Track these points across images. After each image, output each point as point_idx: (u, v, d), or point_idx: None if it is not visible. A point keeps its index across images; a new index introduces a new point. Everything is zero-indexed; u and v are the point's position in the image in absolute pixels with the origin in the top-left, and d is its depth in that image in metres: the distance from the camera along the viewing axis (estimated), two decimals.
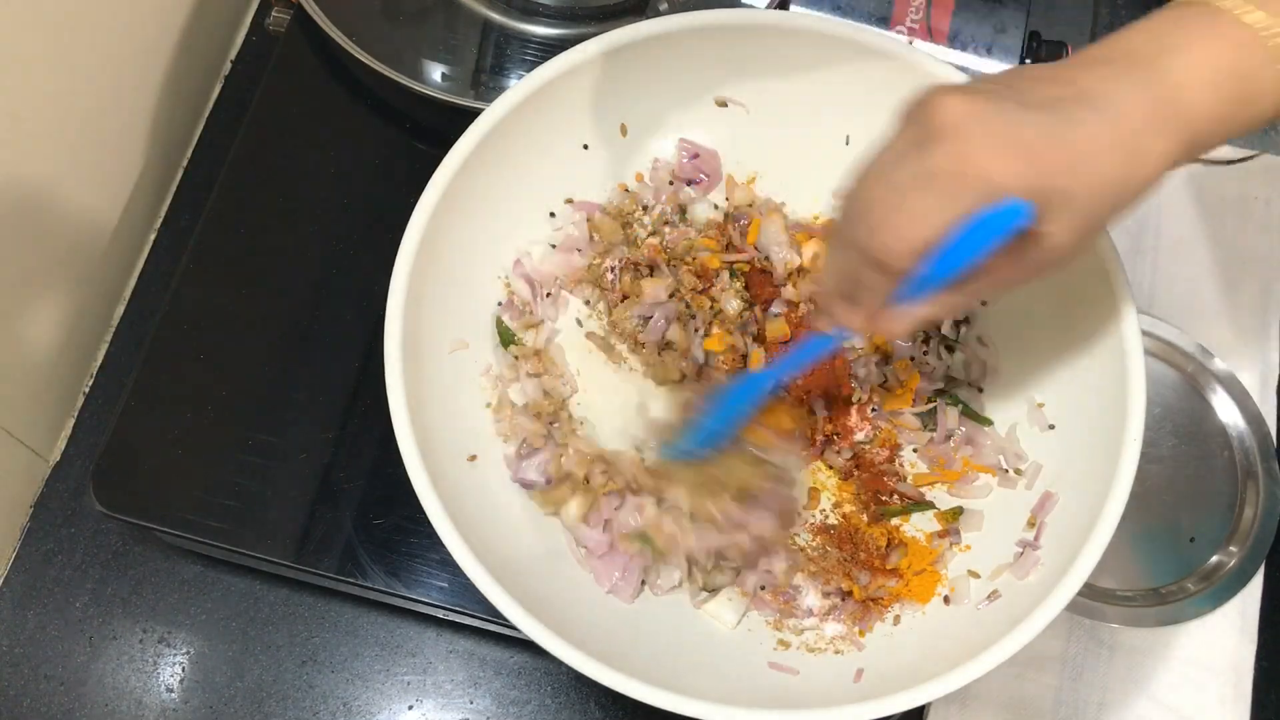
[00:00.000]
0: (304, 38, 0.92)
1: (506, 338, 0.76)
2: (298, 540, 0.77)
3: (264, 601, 0.84)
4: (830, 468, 0.76)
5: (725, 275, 0.78)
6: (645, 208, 0.81)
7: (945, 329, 0.78)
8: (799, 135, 0.80)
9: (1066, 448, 0.72)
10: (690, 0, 0.88)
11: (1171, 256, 0.93)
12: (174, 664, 0.83)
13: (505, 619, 0.62)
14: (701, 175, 0.81)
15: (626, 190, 0.81)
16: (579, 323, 0.79)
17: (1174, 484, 0.86)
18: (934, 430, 0.76)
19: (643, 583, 0.71)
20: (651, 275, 0.78)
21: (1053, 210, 0.50)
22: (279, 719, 0.81)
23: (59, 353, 0.88)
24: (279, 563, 0.77)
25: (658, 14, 0.83)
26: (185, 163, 0.98)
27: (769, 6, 0.87)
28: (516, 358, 0.76)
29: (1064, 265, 0.53)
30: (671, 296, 0.77)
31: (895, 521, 0.74)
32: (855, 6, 0.87)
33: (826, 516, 0.75)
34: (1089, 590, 0.82)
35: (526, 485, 0.73)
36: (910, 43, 0.85)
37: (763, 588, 0.71)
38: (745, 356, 0.77)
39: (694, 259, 0.78)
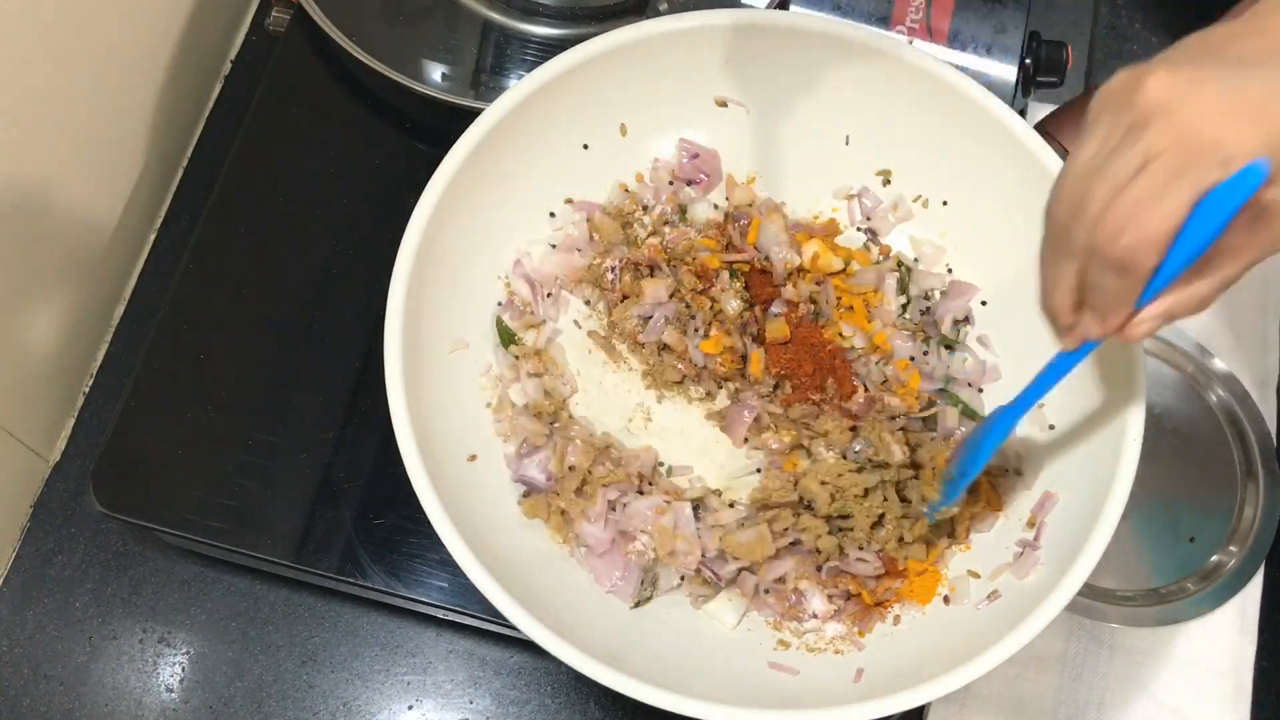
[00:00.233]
0: (304, 38, 0.92)
1: (506, 338, 0.76)
2: (298, 540, 0.77)
3: (264, 601, 0.84)
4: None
5: (725, 275, 0.78)
6: (645, 208, 0.81)
7: (945, 329, 0.78)
8: (799, 135, 0.80)
9: (1066, 448, 0.72)
10: (690, 0, 0.88)
11: None
12: (174, 664, 0.83)
13: (505, 619, 0.62)
14: (701, 175, 0.81)
15: (626, 190, 0.81)
16: (577, 324, 0.79)
17: (1174, 484, 0.86)
18: (934, 430, 0.76)
19: (643, 583, 0.71)
20: (652, 275, 0.78)
21: None
22: (279, 719, 0.81)
23: (59, 353, 0.88)
24: (279, 563, 0.77)
25: (658, 14, 0.83)
26: (185, 163, 0.98)
27: (769, 6, 0.87)
28: (517, 358, 0.76)
29: None
30: (672, 297, 0.77)
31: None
32: (855, 6, 0.87)
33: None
34: (1089, 590, 0.82)
35: (527, 483, 0.73)
36: (910, 43, 0.85)
37: (766, 591, 0.71)
38: (744, 357, 0.77)
39: (694, 259, 0.78)
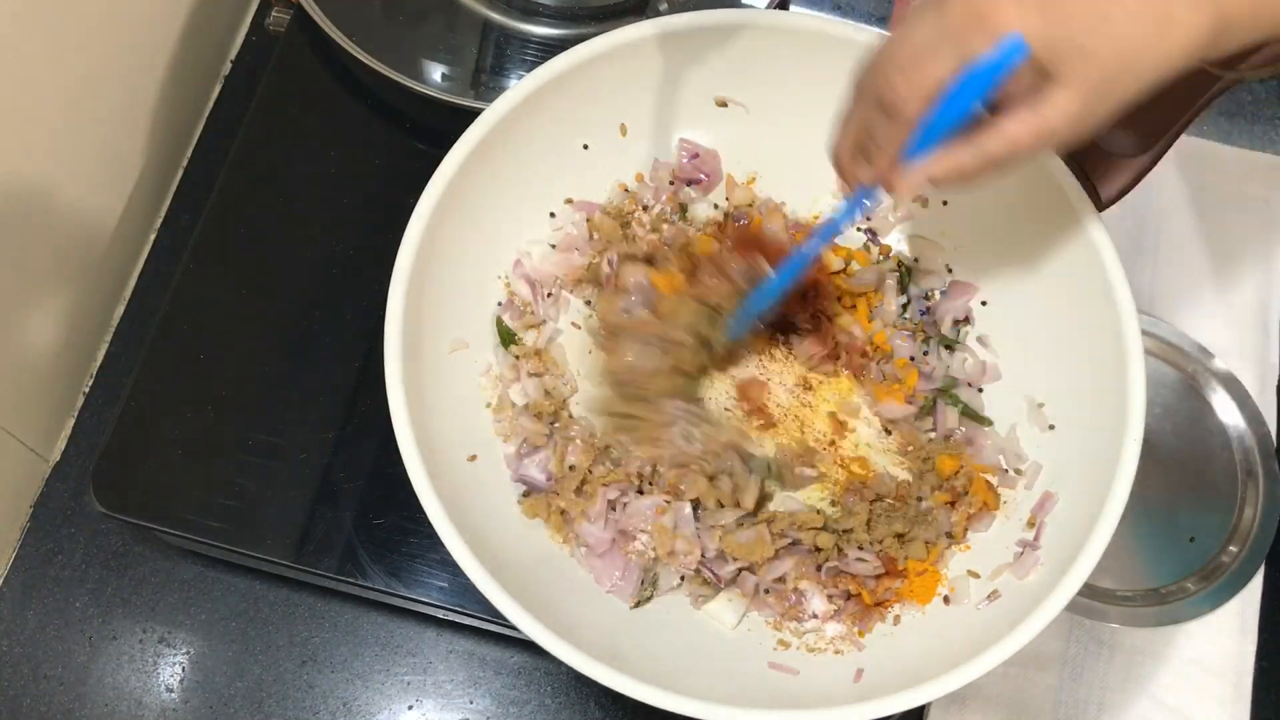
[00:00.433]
0: (304, 38, 0.92)
1: (507, 338, 0.76)
2: (298, 540, 0.77)
3: (264, 601, 0.84)
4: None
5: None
6: (645, 207, 0.81)
7: (945, 329, 0.78)
8: (799, 135, 0.80)
9: (1066, 448, 0.72)
10: (690, 0, 0.88)
11: (1171, 256, 0.93)
12: (174, 664, 0.83)
13: (505, 619, 0.62)
14: (701, 175, 0.81)
15: (626, 190, 0.81)
16: (576, 325, 0.79)
17: (1174, 484, 0.86)
18: (933, 431, 0.76)
19: (643, 583, 0.71)
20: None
21: (1069, 64, 0.49)
22: (279, 719, 0.81)
23: (59, 353, 0.88)
24: (279, 563, 0.77)
25: (658, 14, 0.83)
26: (185, 163, 0.98)
27: (769, 6, 0.87)
28: (517, 357, 0.76)
29: (1073, 133, 0.52)
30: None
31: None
32: (855, 6, 0.87)
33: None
34: (1089, 590, 0.82)
35: (527, 483, 0.73)
36: None
37: (766, 591, 0.71)
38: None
39: (689, 251, 0.78)
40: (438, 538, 0.63)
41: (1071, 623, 0.82)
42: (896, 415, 0.76)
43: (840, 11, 0.91)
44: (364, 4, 0.90)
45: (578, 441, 0.73)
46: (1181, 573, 0.83)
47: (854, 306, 0.79)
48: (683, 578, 0.72)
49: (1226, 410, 0.88)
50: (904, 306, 0.79)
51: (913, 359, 0.78)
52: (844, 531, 0.72)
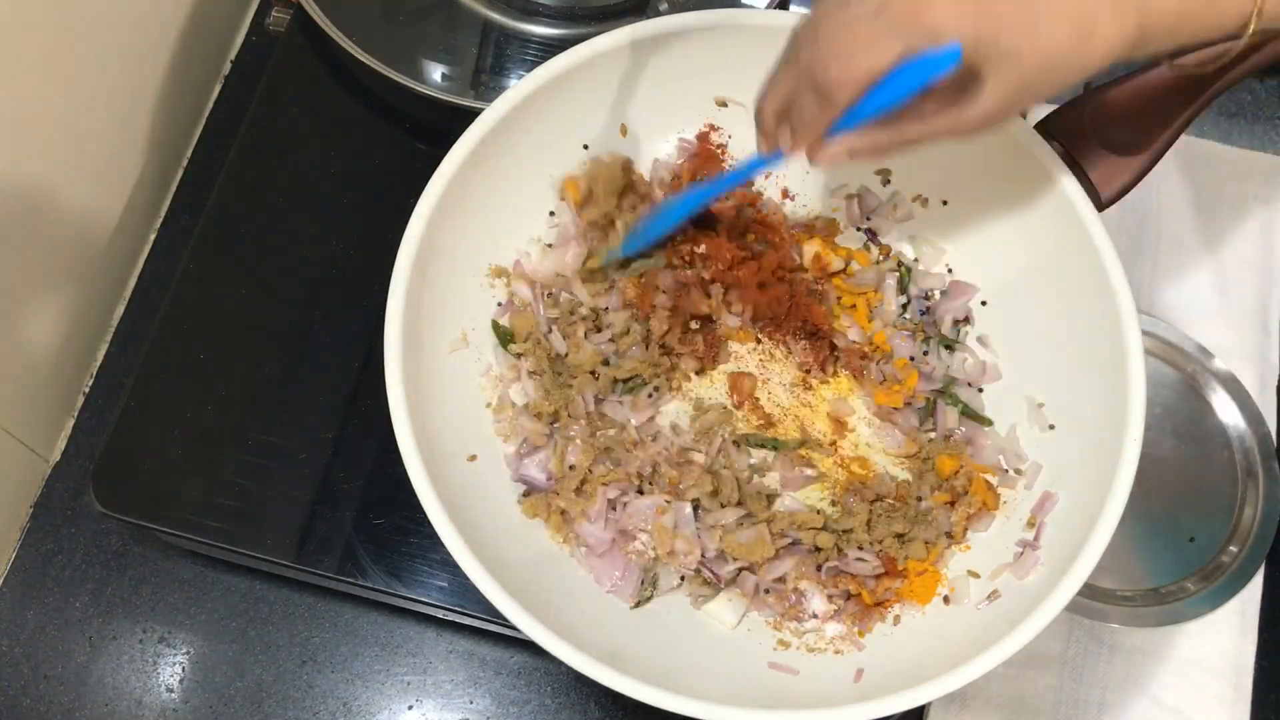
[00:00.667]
0: (304, 38, 0.92)
1: (506, 338, 0.76)
2: (298, 540, 0.77)
3: (264, 601, 0.84)
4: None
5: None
6: (645, 200, 0.80)
7: (945, 329, 0.78)
8: None
9: (1066, 448, 0.72)
10: (690, 0, 0.88)
11: (1171, 256, 0.93)
12: (174, 664, 0.83)
13: (505, 619, 0.62)
14: (702, 175, 0.81)
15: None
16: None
17: (1174, 484, 0.86)
18: (933, 431, 0.76)
19: (643, 583, 0.71)
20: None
21: (994, 65, 0.51)
22: (279, 719, 0.81)
23: (59, 353, 0.88)
24: (279, 563, 0.77)
25: (658, 14, 0.83)
26: (185, 163, 0.98)
27: (769, 6, 0.87)
28: (518, 357, 0.76)
29: (987, 127, 0.55)
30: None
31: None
32: None
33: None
34: (1089, 590, 0.82)
35: (527, 483, 0.73)
36: None
37: (766, 591, 0.72)
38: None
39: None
40: (438, 538, 0.63)
41: (1071, 623, 0.82)
42: (896, 416, 0.76)
43: None
44: (364, 4, 0.90)
45: (578, 441, 0.73)
46: (1181, 573, 0.83)
47: (854, 306, 0.79)
48: (683, 578, 0.72)
49: (1226, 410, 0.88)
50: (904, 306, 0.79)
51: (913, 359, 0.78)
52: (844, 531, 0.72)
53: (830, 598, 0.71)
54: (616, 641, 0.66)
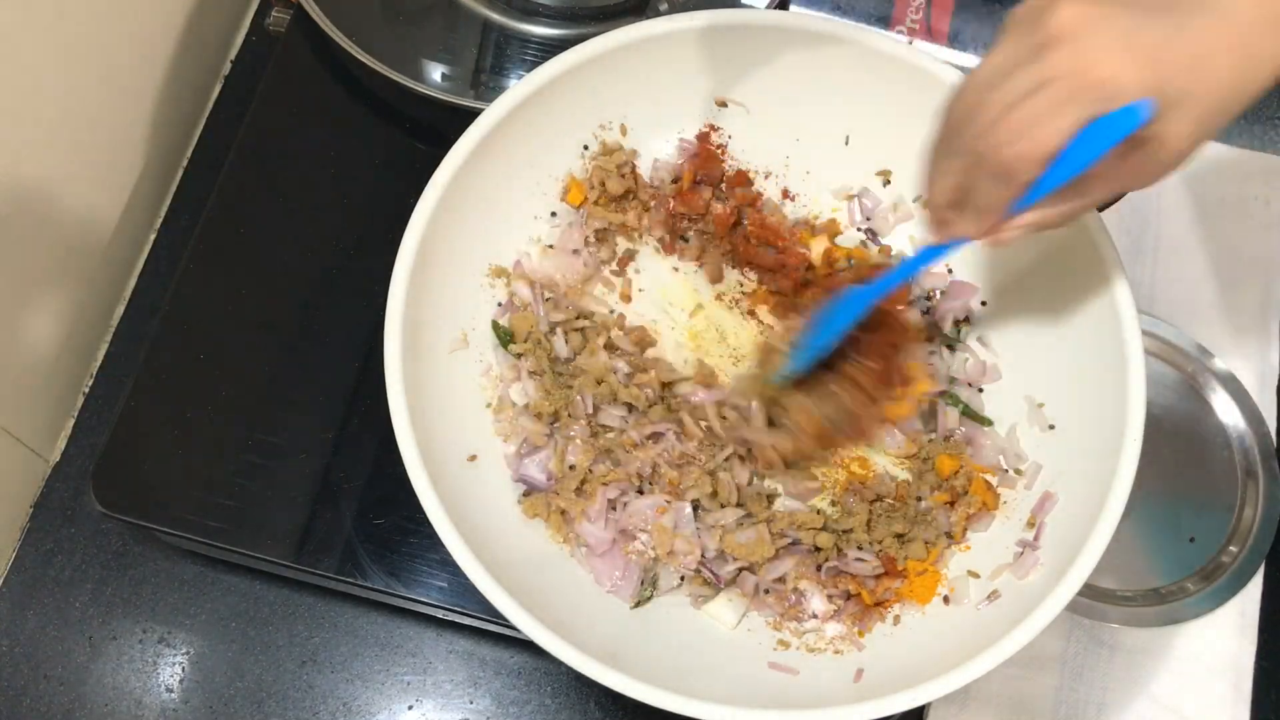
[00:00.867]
0: (304, 38, 0.92)
1: (506, 338, 0.76)
2: (298, 540, 0.77)
3: (264, 601, 0.84)
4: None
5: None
6: (647, 208, 0.81)
7: (946, 329, 0.78)
8: (799, 135, 0.80)
9: (1066, 448, 0.72)
10: (690, 0, 0.88)
11: (1171, 256, 0.93)
12: (174, 664, 0.83)
13: (505, 619, 0.62)
14: (702, 175, 0.81)
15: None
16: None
17: (1174, 484, 0.86)
18: (934, 431, 0.76)
19: (643, 583, 0.71)
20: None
21: (1171, 111, 0.49)
22: (279, 719, 0.81)
23: (59, 353, 0.88)
24: (279, 563, 0.77)
25: (658, 14, 0.83)
26: (185, 163, 0.98)
27: (769, 6, 0.87)
28: (518, 357, 0.76)
29: (1176, 167, 0.53)
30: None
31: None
32: (855, 6, 0.87)
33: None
34: (1089, 590, 0.82)
35: (527, 483, 0.73)
36: (910, 43, 0.85)
37: (766, 591, 0.72)
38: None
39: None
40: (438, 538, 0.63)
41: (1071, 623, 0.82)
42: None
43: (840, 11, 0.91)
44: (364, 4, 0.90)
45: (578, 441, 0.73)
46: (1181, 573, 0.83)
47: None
48: (683, 578, 0.72)
49: (1226, 410, 0.88)
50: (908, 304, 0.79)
51: (931, 353, 0.77)
52: (844, 531, 0.72)
53: (830, 598, 0.71)
54: (616, 641, 0.66)
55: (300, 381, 0.82)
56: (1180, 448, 0.87)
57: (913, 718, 0.80)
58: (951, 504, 0.73)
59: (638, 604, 0.71)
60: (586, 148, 0.79)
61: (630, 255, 0.80)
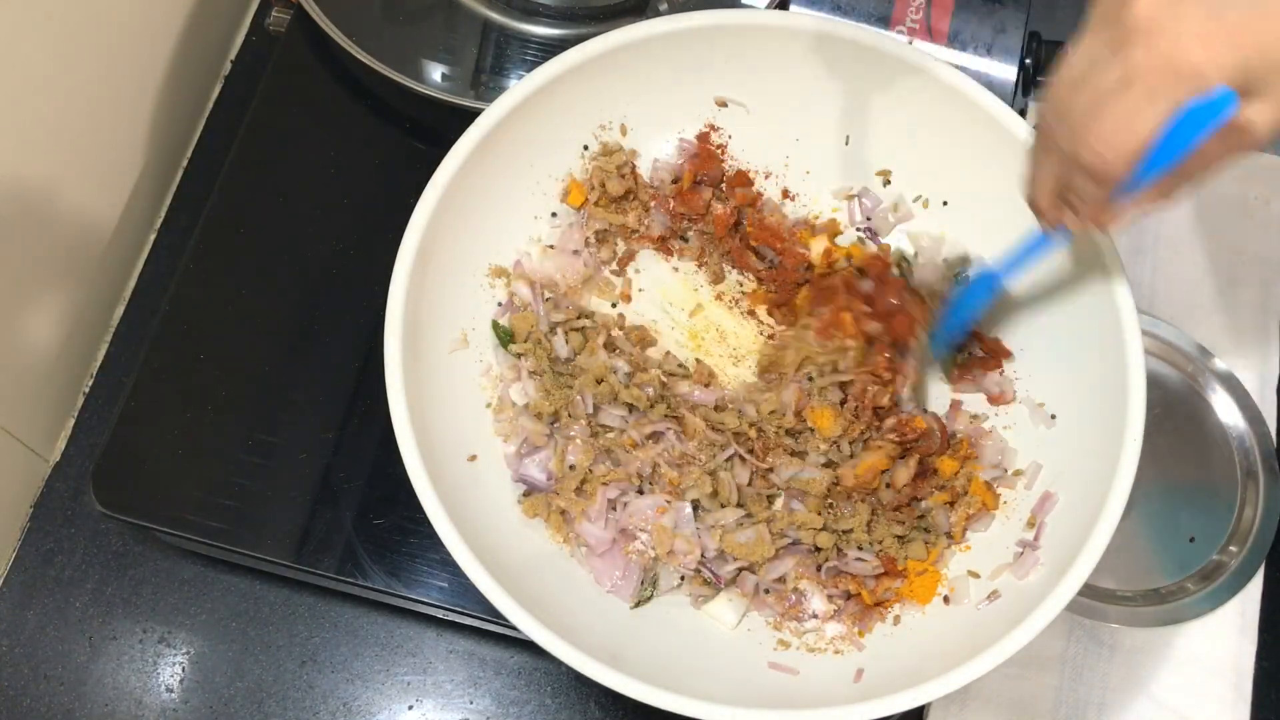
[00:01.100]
0: (304, 38, 0.92)
1: (506, 338, 0.76)
2: (298, 540, 0.77)
3: (264, 601, 0.84)
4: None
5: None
6: (646, 208, 0.81)
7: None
8: (799, 135, 0.80)
9: (1066, 448, 0.72)
10: (690, 0, 0.88)
11: (1171, 256, 0.93)
12: (174, 664, 0.83)
13: (505, 619, 0.62)
14: (702, 175, 0.81)
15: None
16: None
17: (1174, 484, 0.86)
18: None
19: (643, 583, 0.71)
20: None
21: (1262, 85, 0.49)
22: (279, 719, 0.81)
23: (59, 353, 0.88)
24: (279, 563, 0.77)
25: (658, 14, 0.83)
26: (185, 163, 0.98)
27: (769, 6, 0.87)
28: (518, 357, 0.76)
29: (1269, 143, 0.52)
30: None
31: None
32: (855, 6, 0.87)
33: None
34: (1089, 590, 0.82)
35: (528, 483, 0.73)
36: (910, 43, 0.85)
37: (766, 591, 0.71)
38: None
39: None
40: (438, 538, 0.63)
41: (1071, 623, 0.82)
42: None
43: (840, 11, 0.90)
44: (364, 4, 0.90)
45: (578, 441, 0.73)
46: (1181, 573, 0.83)
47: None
48: (683, 578, 0.72)
49: (1226, 410, 0.88)
50: None
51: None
52: (844, 531, 0.72)
53: (830, 598, 0.71)
54: (616, 641, 0.66)
55: (300, 381, 0.82)
56: (1180, 448, 0.87)
57: (913, 718, 0.80)
58: (951, 504, 0.73)
59: (638, 604, 0.71)
60: (586, 148, 0.79)
61: (630, 255, 0.80)
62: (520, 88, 0.73)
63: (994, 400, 0.76)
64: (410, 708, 0.82)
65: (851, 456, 0.73)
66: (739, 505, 0.72)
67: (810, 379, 0.74)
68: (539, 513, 0.72)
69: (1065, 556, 0.64)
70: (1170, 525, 0.85)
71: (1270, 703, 0.82)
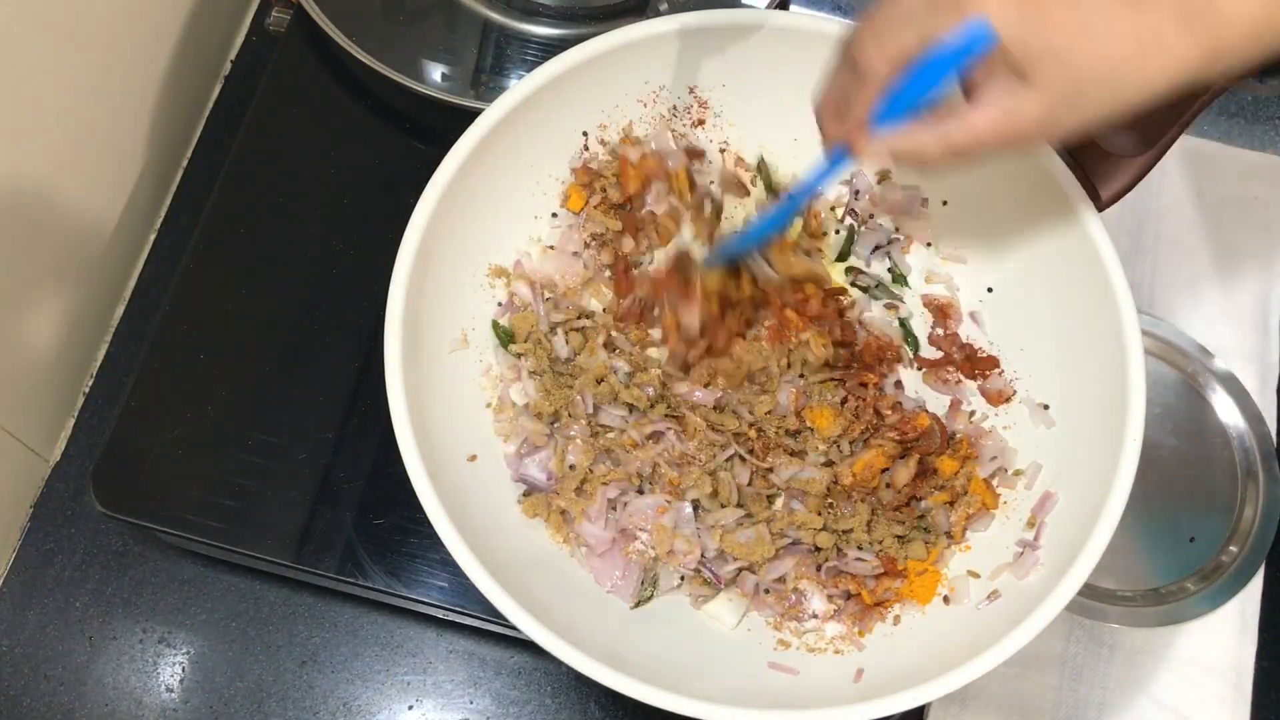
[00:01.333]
0: (304, 38, 0.92)
1: (506, 338, 0.76)
2: (298, 540, 0.77)
3: (264, 601, 0.84)
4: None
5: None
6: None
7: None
8: (798, 135, 0.80)
9: (1066, 448, 0.72)
10: (690, 0, 0.88)
11: (1171, 256, 0.93)
12: (174, 664, 0.83)
13: (505, 619, 0.62)
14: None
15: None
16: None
17: (1174, 484, 0.86)
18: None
19: (643, 583, 0.71)
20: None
21: (1040, 68, 0.48)
22: (279, 719, 0.81)
23: (59, 353, 0.88)
24: (279, 563, 0.77)
25: (658, 14, 0.83)
26: (185, 163, 0.98)
27: (769, 6, 0.87)
28: (518, 357, 0.76)
29: (1037, 135, 0.51)
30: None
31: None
32: (855, 6, 0.87)
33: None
34: (1089, 590, 0.82)
35: (528, 483, 0.73)
36: None
37: (766, 591, 0.72)
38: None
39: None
40: (438, 538, 0.63)
41: (1071, 623, 0.82)
42: None
43: (840, 11, 0.91)
44: (364, 4, 0.90)
45: (578, 441, 0.73)
46: (1181, 573, 0.83)
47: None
48: (683, 578, 0.72)
49: (1226, 410, 0.88)
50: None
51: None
52: (844, 531, 0.72)
53: (830, 598, 0.71)
54: (616, 641, 0.66)
55: (300, 381, 0.82)
56: (1180, 448, 0.87)
57: (913, 718, 0.80)
58: (951, 504, 0.73)
59: (638, 604, 0.71)
60: (587, 149, 0.79)
61: (630, 258, 0.80)
62: (520, 88, 0.73)
63: (994, 400, 0.76)
64: (410, 708, 0.82)
65: (851, 456, 0.73)
66: (739, 505, 0.72)
67: (802, 376, 0.74)
68: (539, 513, 0.72)
69: (1065, 556, 0.64)
70: (1170, 525, 0.85)
71: (1270, 703, 0.82)
